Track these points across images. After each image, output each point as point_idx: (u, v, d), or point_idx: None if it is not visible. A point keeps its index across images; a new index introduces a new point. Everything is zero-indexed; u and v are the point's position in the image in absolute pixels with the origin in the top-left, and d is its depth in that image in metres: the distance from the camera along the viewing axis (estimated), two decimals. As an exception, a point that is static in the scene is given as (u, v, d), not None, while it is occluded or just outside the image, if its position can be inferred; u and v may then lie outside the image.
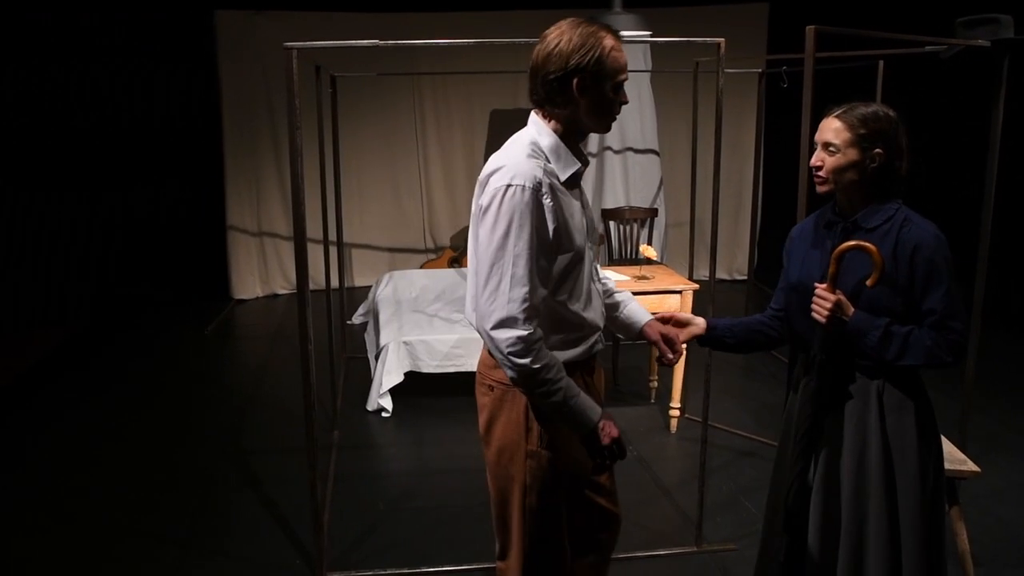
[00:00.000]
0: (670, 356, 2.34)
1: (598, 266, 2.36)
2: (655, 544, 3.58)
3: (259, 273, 8.40)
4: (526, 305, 1.98)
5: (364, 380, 5.33)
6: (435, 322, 5.56)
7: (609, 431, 2.10)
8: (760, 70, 5.38)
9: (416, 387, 5.30)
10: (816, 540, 2.32)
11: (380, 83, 8.43)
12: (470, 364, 5.22)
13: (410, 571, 3.40)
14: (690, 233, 5.54)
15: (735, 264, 9.02)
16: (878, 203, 2.26)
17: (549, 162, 2.10)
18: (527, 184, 2.00)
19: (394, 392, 5.14)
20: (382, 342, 5.27)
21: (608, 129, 2.18)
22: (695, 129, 5.50)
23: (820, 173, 2.26)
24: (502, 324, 1.98)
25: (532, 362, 1.99)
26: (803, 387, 2.32)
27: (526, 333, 1.98)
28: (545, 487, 2.20)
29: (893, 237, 2.20)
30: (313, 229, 5.36)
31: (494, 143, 9.13)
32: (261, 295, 8.37)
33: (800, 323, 2.35)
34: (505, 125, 9.01)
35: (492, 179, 2.04)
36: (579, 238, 2.12)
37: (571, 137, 2.13)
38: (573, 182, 2.15)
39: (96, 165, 7.72)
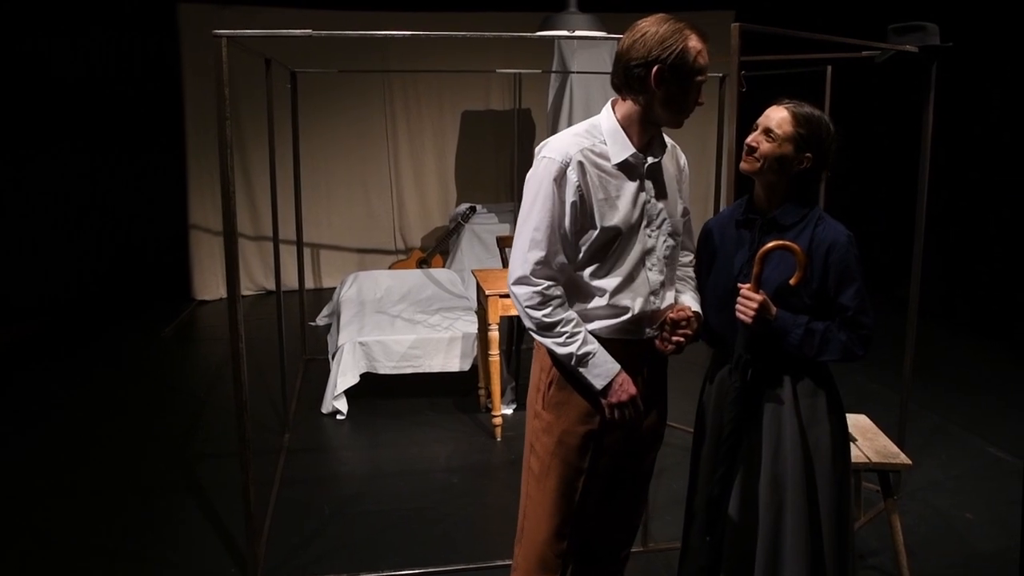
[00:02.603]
0: (668, 345, 2.29)
1: (685, 259, 2.45)
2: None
3: (222, 274, 8.31)
4: (540, 266, 2.18)
5: (322, 382, 5.26)
6: (397, 323, 5.50)
7: (627, 388, 2.22)
8: (721, 75, 5.36)
9: (373, 389, 5.23)
10: (735, 537, 2.31)
11: (350, 83, 8.37)
12: (427, 365, 5.16)
13: (349, 577, 3.34)
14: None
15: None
16: (797, 202, 2.28)
17: (605, 144, 2.22)
18: (556, 157, 2.17)
19: (350, 394, 5.07)
20: (339, 343, 5.21)
21: (679, 125, 2.23)
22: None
23: (754, 154, 2.26)
24: (519, 281, 2.21)
25: (546, 315, 2.20)
26: (725, 386, 2.31)
27: (540, 287, 2.19)
28: (545, 450, 2.31)
29: (808, 235, 2.23)
30: (284, 231, 5.31)
31: (465, 144, 9.12)
32: (224, 296, 8.26)
33: (717, 320, 2.34)
34: (476, 126, 8.98)
35: (537, 152, 2.25)
36: (617, 219, 2.19)
37: (640, 125, 2.20)
38: (628, 167, 2.22)
39: (53, 161, 7.61)
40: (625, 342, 2.26)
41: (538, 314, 2.19)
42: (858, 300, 2.23)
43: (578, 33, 4.94)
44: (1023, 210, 6.33)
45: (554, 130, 6.80)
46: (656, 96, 2.14)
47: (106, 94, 7.86)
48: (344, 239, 8.83)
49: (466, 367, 5.20)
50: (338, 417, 5.03)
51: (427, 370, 5.17)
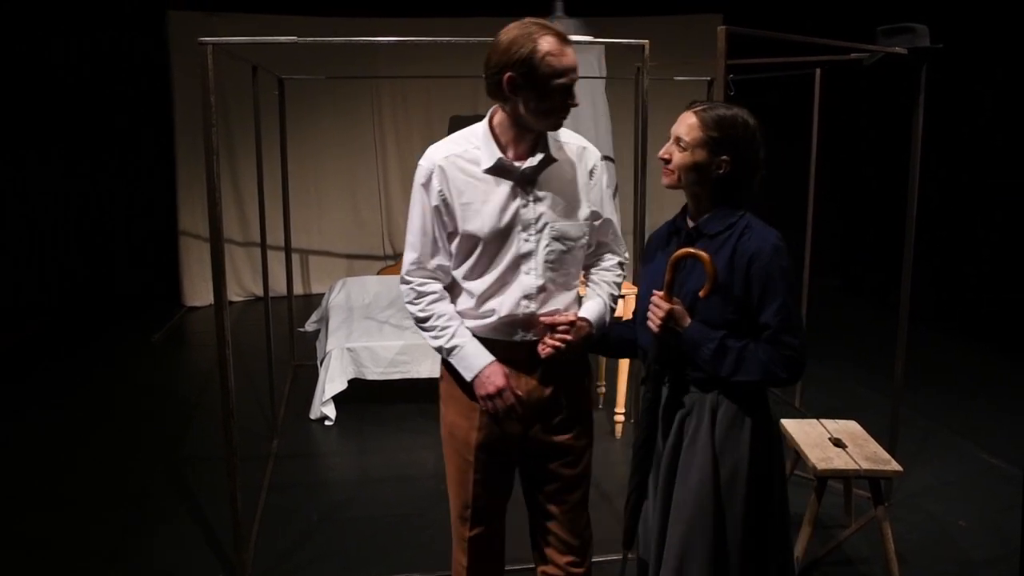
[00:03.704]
0: (546, 348, 2.26)
1: (607, 263, 2.43)
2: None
3: (212, 280, 8.26)
4: (414, 267, 2.31)
5: (311, 388, 5.24)
6: (385, 328, 5.48)
7: (494, 380, 2.25)
8: (709, 78, 5.37)
9: (361, 395, 5.21)
10: (656, 549, 2.23)
11: (339, 90, 8.35)
12: (415, 371, 5.14)
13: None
14: (634, 240, 5.51)
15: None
16: (726, 210, 2.14)
17: (479, 149, 2.25)
18: (424, 164, 2.27)
19: (338, 400, 5.04)
20: (327, 349, 5.19)
21: (552, 128, 2.24)
22: (642, 135, 5.46)
23: (668, 166, 2.18)
24: (402, 280, 2.35)
25: (420, 310, 2.31)
26: (641, 398, 2.25)
27: (414, 284, 2.31)
28: (443, 440, 2.44)
29: (731, 246, 2.09)
30: (273, 237, 5.28)
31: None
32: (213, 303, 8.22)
33: (640, 331, 2.25)
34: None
35: None
36: (480, 223, 2.21)
37: (513, 131, 2.19)
38: (500, 172, 2.23)
39: (43, 165, 7.57)
40: (506, 343, 2.29)
41: (414, 309, 2.32)
42: (781, 317, 2.03)
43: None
44: (1014, 213, 6.36)
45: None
46: (517, 102, 2.14)
47: (97, 99, 7.83)
48: (333, 245, 8.80)
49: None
50: (326, 423, 5.01)
51: (415, 376, 5.14)
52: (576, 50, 2.17)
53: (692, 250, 2.05)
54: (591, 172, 2.33)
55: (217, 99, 2.90)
